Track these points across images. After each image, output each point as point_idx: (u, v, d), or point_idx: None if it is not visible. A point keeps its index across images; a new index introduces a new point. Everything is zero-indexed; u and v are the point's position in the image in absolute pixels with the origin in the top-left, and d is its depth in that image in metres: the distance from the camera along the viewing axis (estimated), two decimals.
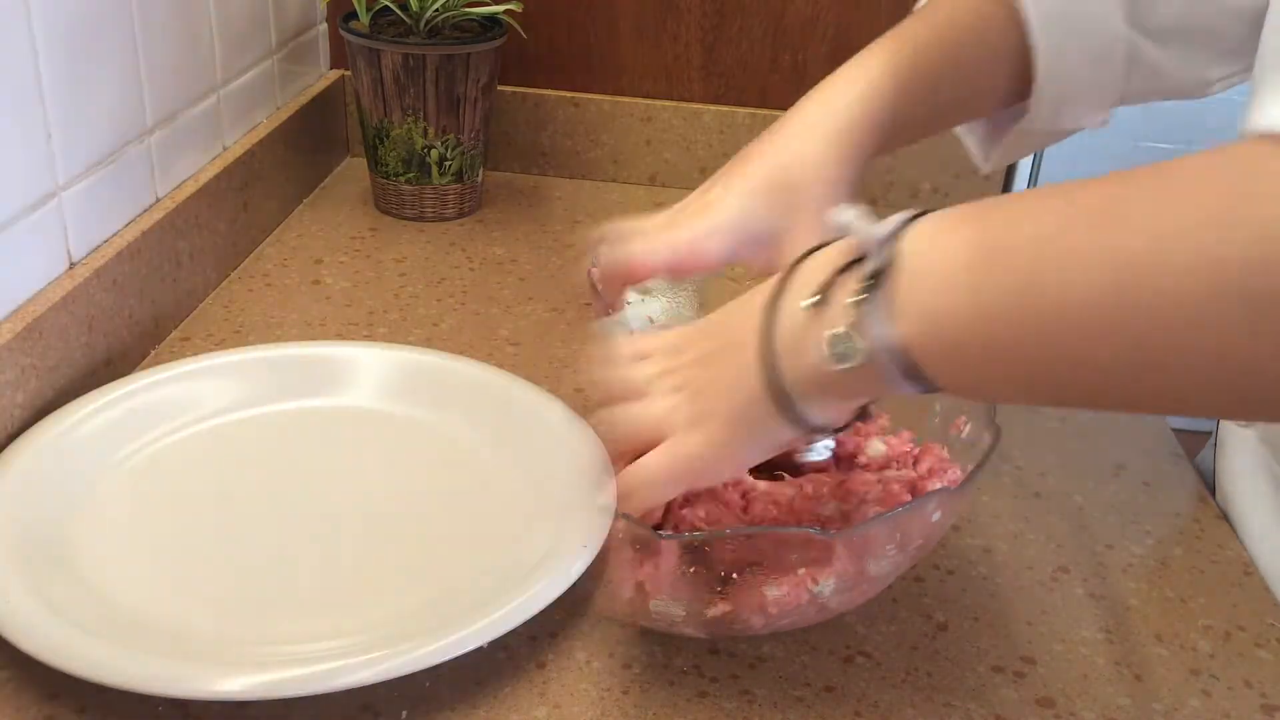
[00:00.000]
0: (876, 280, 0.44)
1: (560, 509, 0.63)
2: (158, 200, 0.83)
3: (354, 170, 1.14)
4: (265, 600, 0.58)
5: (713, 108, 1.12)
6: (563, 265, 0.97)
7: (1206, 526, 0.70)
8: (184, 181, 0.87)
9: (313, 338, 0.84)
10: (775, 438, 0.50)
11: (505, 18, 1.01)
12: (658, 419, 0.52)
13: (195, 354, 0.76)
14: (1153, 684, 0.58)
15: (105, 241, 0.77)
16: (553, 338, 0.86)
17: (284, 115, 1.02)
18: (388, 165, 1.02)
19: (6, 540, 0.57)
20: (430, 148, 1.00)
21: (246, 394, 0.72)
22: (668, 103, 1.13)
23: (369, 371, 0.74)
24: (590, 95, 1.13)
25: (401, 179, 1.02)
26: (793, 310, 0.47)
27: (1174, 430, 0.80)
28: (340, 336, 0.84)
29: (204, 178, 0.88)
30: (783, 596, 0.53)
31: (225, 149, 0.93)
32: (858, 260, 0.45)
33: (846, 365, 0.45)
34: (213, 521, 0.63)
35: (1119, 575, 0.65)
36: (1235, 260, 0.36)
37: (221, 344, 0.82)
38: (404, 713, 0.53)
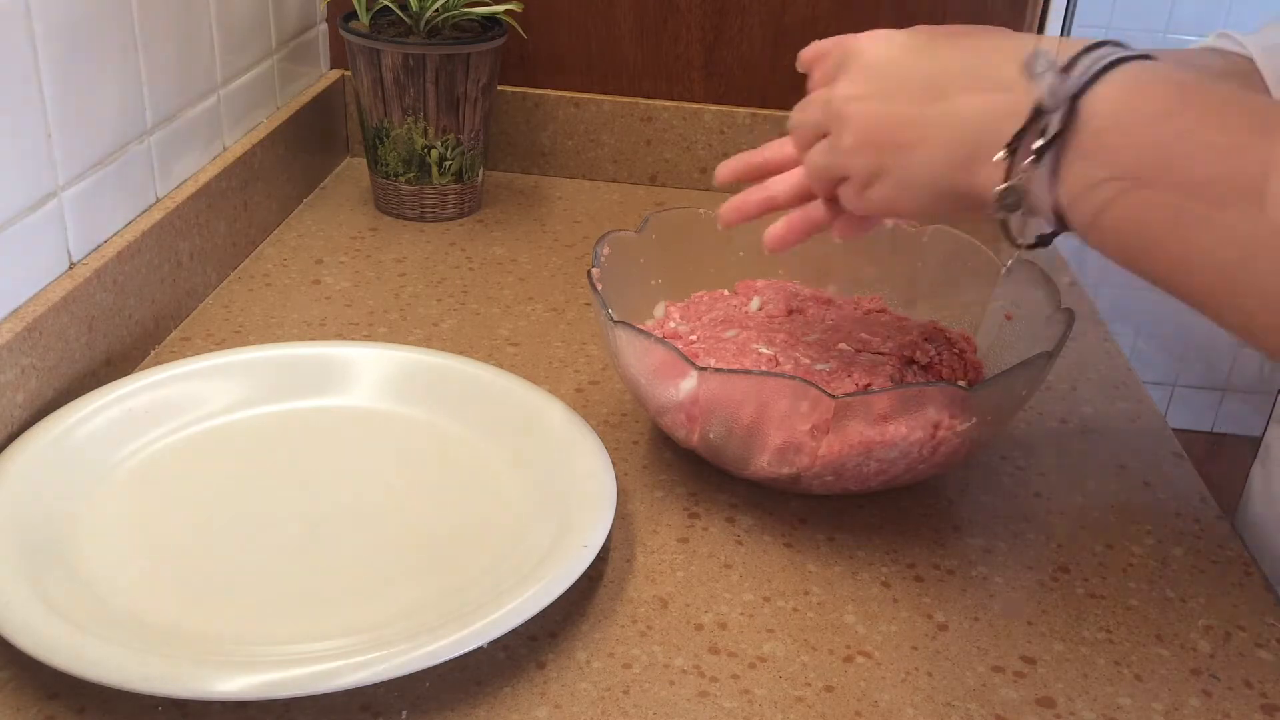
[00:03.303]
0: (1050, 145, 0.48)
1: (560, 509, 0.63)
2: (158, 200, 0.83)
3: (354, 170, 1.14)
4: (265, 600, 0.58)
5: (713, 108, 1.12)
6: (563, 265, 0.97)
7: (1206, 526, 0.70)
8: (184, 181, 0.87)
9: (313, 338, 0.84)
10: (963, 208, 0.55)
11: (505, 18, 1.01)
12: (843, 166, 0.58)
13: (195, 354, 0.76)
14: (1153, 684, 0.58)
15: (105, 241, 0.77)
16: (553, 338, 0.86)
17: (284, 115, 1.02)
18: (388, 165, 1.02)
19: (6, 540, 0.57)
20: (430, 148, 1.00)
21: (246, 394, 0.72)
22: (668, 103, 1.13)
23: (369, 371, 0.74)
24: (590, 95, 1.13)
25: (401, 179, 1.02)
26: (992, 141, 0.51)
27: (1174, 430, 0.80)
28: (340, 336, 0.84)
29: (204, 178, 0.88)
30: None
31: (225, 149, 0.93)
32: (1040, 113, 0.49)
33: (1010, 214, 0.50)
34: (213, 521, 0.63)
35: (1119, 575, 0.65)
36: None
37: (221, 344, 0.82)
38: (404, 713, 0.53)
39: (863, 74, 0.57)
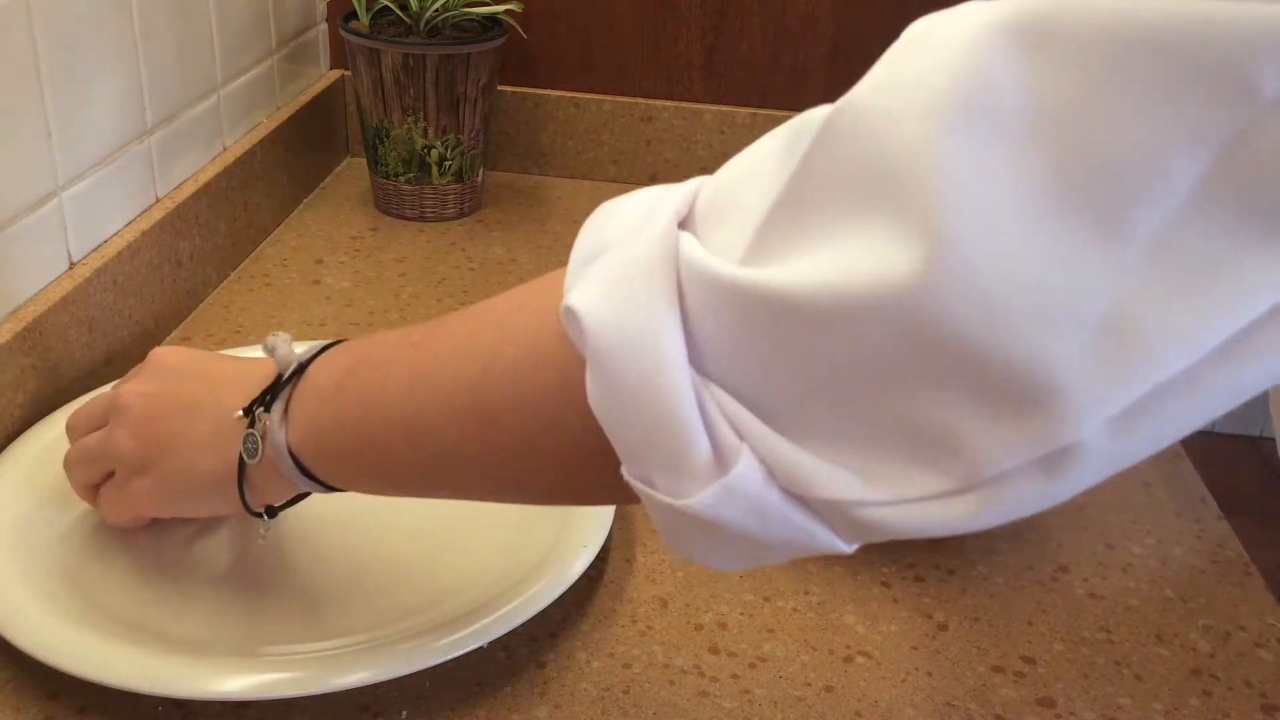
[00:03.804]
0: (278, 393, 0.51)
1: (560, 509, 0.63)
2: (158, 200, 0.83)
3: (354, 170, 1.14)
4: (265, 600, 0.58)
5: (713, 108, 1.12)
6: (563, 265, 0.97)
7: (1206, 526, 0.70)
8: (184, 181, 0.87)
9: (313, 338, 0.84)
10: (214, 508, 0.56)
11: (505, 18, 1.01)
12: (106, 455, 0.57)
13: None
14: (1153, 684, 0.58)
15: (105, 241, 0.77)
16: None
17: (284, 115, 1.02)
18: (388, 165, 1.02)
19: (6, 540, 0.57)
20: (430, 148, 1.00)
21: None
22: (668, 103, 1.13)
23: None
24: (590, 95, 1.13)
25: (401, 179, 1.02)
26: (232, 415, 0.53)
27: None
28: (340, 336, 0.84)
29: (204, 178, 0.88)
30: None
31: (225, 149, 0.93)
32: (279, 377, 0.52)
33: (253, 461, 0.52)
34: (212, 521, 0.63)
35: (1119, 575, 0.65)
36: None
37: (221, 344, 0.82)
38: (404, 713, 0.53)
39: (156, 371, 0.58)
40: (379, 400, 0.47)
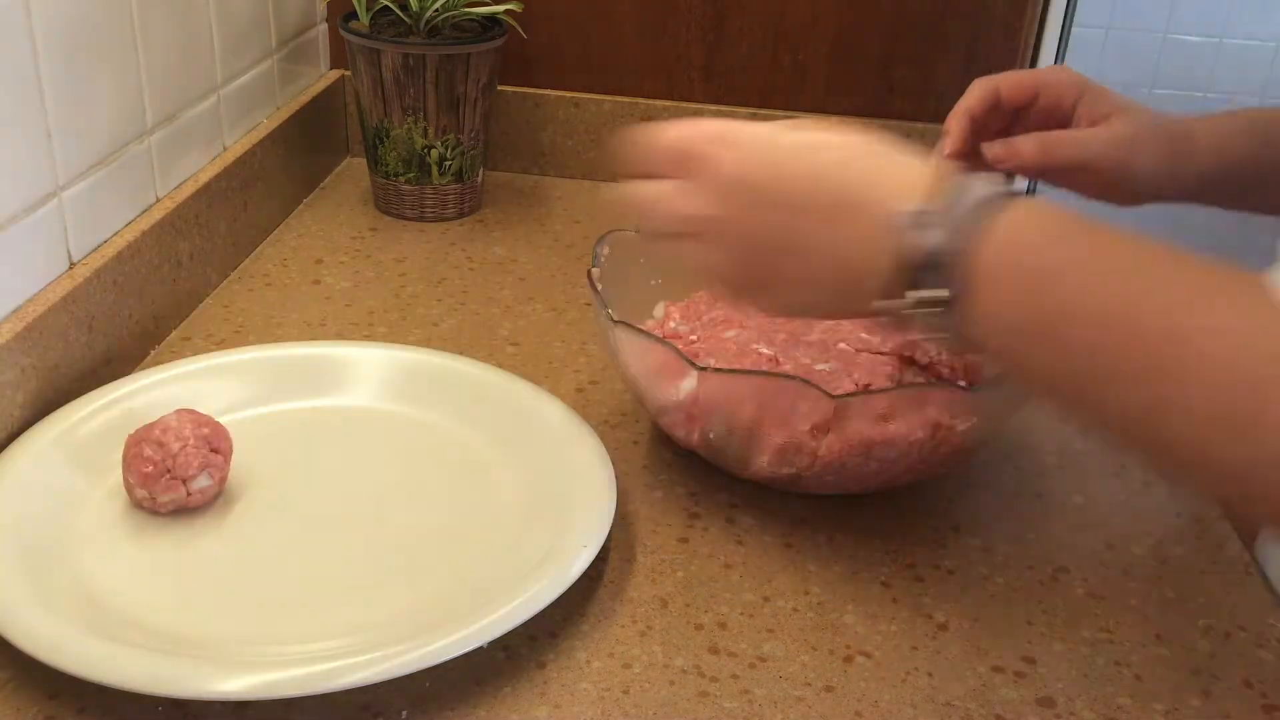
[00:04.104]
0: (938, 302, 0.46)
1: (560, 509, 0.63)
2: (158, 200, 0.83)
3: (354, 170, 1.14)
4: (265, 600, 0.58)
5: (713, 108, 1.12)
6: (563, 265, 0.97)
7: (1206, 526, 0.70)
8: (184, 181, 0.87)
9: (313, 338, 0.84)
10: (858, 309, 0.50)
11: (505, 18, 1.01)
12: (709, 269, 0.52)
13: (195, 354, 0.76)
14: (1153, 684, 0.58)
15: (105, 241, 0.77)
16: (553, 338, 0.86)
17: (284, 115, 1.02)
18: (388, 165, 1.02)
19: (6, 540, 0.57)
20: (430, 148, 1.00)
21: (246, 394, 0.72)
22: (668, 103, 1.13)
23: (369, 371, 0.74)
24: (590, 95, 1.13)
25: (401, 179, 1.02)
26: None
27: None
28: (340, 336, 0.84)
29: (204, 178, 0.88)
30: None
31: (225, 149, 0.93)
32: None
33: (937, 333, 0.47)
34: (212, 521, 0.63)
35: (1119, 575, 0.65)
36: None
37: (221, 344, 0.82)
38: (404, 713, 0.53)
39: (720, 186, 0.51)
40: (1082, 363, 0.44)
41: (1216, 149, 0.65)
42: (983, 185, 0.47)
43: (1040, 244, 0.46)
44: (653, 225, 0.54)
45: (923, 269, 0.46)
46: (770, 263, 0.51)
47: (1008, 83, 0.68)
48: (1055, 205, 0.46)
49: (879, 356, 0.69)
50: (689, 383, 0.63)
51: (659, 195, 0.53)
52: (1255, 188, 0.68)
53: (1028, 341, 0.45)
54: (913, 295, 0.47)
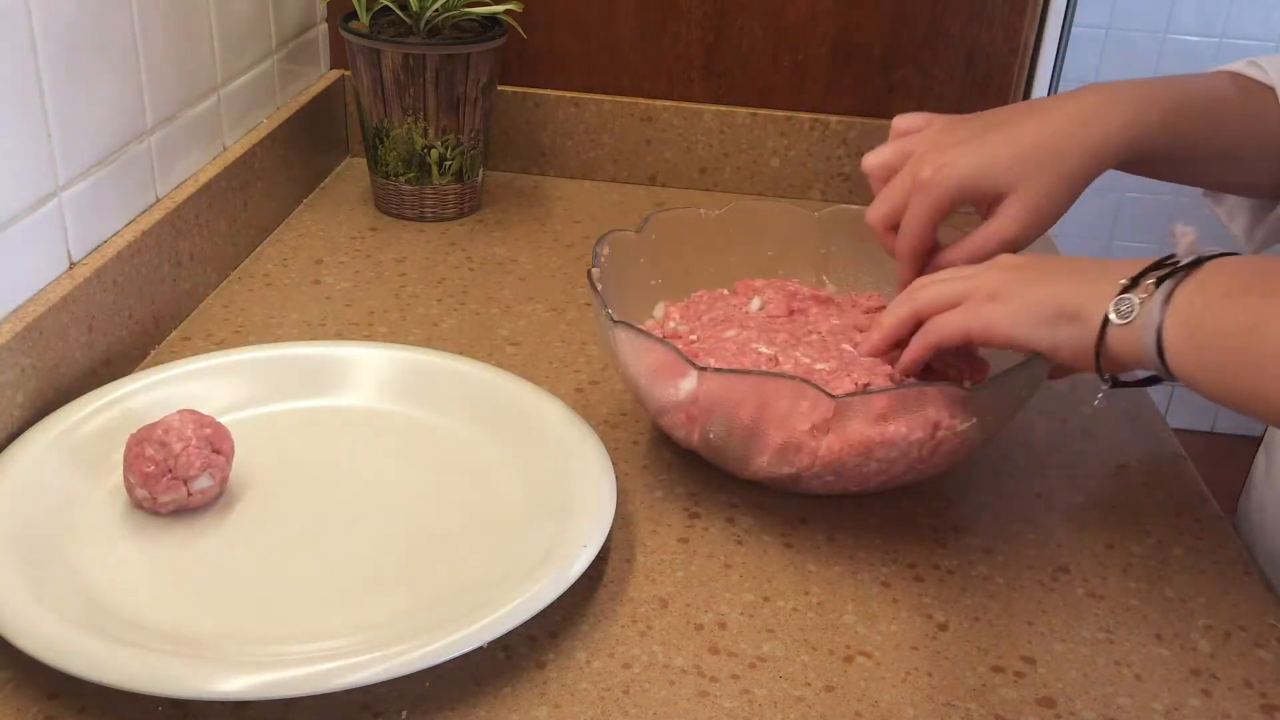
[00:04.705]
0: (1174, 275, 0.56)
1: (560, 509, 0.63)
2: (158, 200, 0.83)
3: (354, 170, 1.14)
4: (265, 600, 0.58)
5: (713, 108, 1.12)
6: (563, 265, 0.97)
7: (1206, 526, 0.70)
8: (184, 181, 0.87)
9: (313, 338, 0.84)
10: (1057, 345, 0.60)
11: (505, 18, 1.01)
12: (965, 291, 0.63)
13: (195, 354, 0.76)
14: (1153, 684, 0.58)
15: (105, 241, 0.77)
16: (553, 338, 0.86)
17: (284, 115, 1.02)
18: (388, 165, 1.02)
19: (6, 540, 0.57)
20: (430, 148, 1.00)
21: (246, 394, 0.72)
22: (668, 103, 1.13)
23: (369, 371, 0.74)
24: (590, 95, 1.13)
25: (401, 179, 1.02)
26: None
27: (1174, 430, 0.80)
28: (340, 336, 0.84)
29: (204, 178, 0.88)
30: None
31: (225, 149, 0.93)
32: (1168, 264, 0.57)
33: (1120, 321, 0.57)
34: (212, 521, 0.63)
35: (1119, 575, 0.65)
36: None
37: (221, 344, 0.82)
38: (404, 713, 0.53)
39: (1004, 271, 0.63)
40: (1265, 327, 0.52)
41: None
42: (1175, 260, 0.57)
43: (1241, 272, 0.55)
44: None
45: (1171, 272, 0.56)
46: (1027, 273, 0.61)
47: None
48: (1239, 260, 0.56)
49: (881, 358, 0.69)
50: (689, 383, 0.63)
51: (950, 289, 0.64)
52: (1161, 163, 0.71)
53: (1221, 373, 0.55)
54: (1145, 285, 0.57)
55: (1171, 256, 0.57)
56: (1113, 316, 0.57)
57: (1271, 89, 0.70)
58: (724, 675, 0.57)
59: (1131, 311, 0.56)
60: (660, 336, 0.67)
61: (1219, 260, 0.56)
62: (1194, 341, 0.55)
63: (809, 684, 0.56)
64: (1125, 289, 0.57)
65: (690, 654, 0.58)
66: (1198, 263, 0.56)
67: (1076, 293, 0.59)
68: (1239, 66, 0.72)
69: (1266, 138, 0.70)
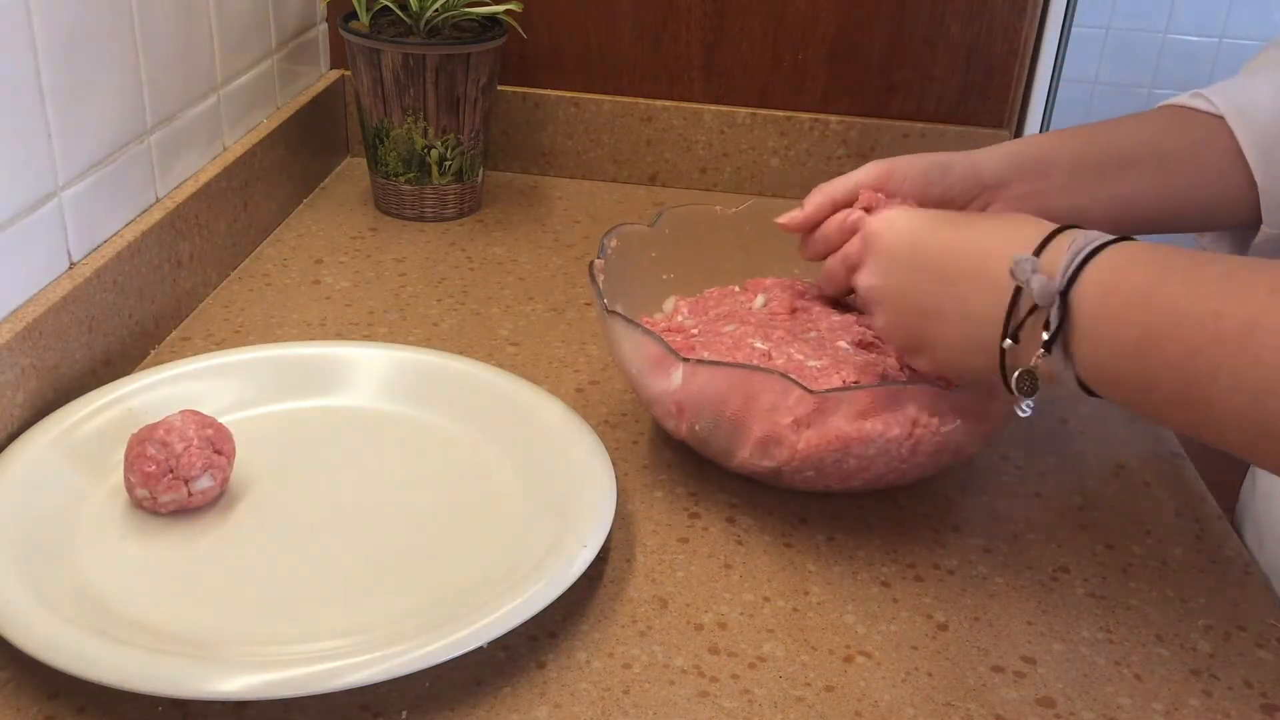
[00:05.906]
0: (1054, 337, 0.54)
1: (560, 509, 0.63)
2: (158, 200, 0.83)
3: (354, 170, 1.14)
4: (265, 600, 0.58)
5: (713, 108, 1.12)
6: (563, 265, 0.97)
7: (1206, 526, 0.70)
8: (184, 181, 0.87)
9: (313, 338, 0.84)
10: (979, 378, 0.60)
11: (505, 18, 1.01)
12: (877, 326, 0.65)
13: (195, 354, 0.76)
14: (1153, 684, 0.58)
15: (105, 241, 0.77)
16: (553, 338, 0.86)
17: (284, 115, 1.02)
18: (388, 165, 1.02)
19: (6, 540, 0.57)
20: (430, 148, 1.00)
21: (246, 394, 0.72)
22: (668, 103, 1.13)
23: (369, 371, 0.74)
24: (590, 95, 1.13)
25: (401, 179, 1.02)
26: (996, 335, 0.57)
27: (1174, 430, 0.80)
28: (340, 336, 0.84)
29: (204, 178, 0.88)
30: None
31: (225, 149, 0.93)
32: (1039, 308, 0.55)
33: (1029, 398, 0.56)
34: (213, 521, 0.63)
35: (1119, 575, 0.65)
36: None
37: (221, 344, 0.82)
38: (404, 713, 0.53)
39: (880, 261, 0.63)
40: (1183, 365, 0.50)
41: (973, 173, 0.69)
42: (1085, 235, 0.54)
43: (1137, 269, 0.53)
44: (835, 291, 0.71)
45: (1035, 310, 0.54)
46: (919, 327, 0.61)
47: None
48: (1149, 244, 0.54)
49: (881, 356, 0.69)
50: (678, 375, 0.63)
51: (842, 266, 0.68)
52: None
53: (1134, 361, 0.52)
54: (1028, 328, 0.55)
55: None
56: (1021, 395, 0.57)
57: (1220, 117, 0.69)
58: (724, 675, 0.57)
59: (1035, 386, 0.56)
60: (653, 330, 0.67)
61: (1089, 283, 0.54)
62: (1112, 382, 0.54)
63: (809, 684, 0.56)
64: (1017, 357, 0.56)
65: (690, 654, 0.58)
66: (1064, 300, 0.54)
67: (969, 353, 0.59)
68: (1184, 99, 0.72)
69: (1219, 174, 0.69)
